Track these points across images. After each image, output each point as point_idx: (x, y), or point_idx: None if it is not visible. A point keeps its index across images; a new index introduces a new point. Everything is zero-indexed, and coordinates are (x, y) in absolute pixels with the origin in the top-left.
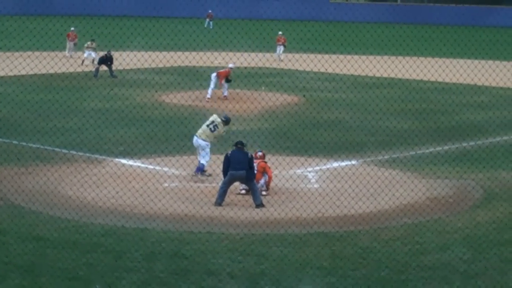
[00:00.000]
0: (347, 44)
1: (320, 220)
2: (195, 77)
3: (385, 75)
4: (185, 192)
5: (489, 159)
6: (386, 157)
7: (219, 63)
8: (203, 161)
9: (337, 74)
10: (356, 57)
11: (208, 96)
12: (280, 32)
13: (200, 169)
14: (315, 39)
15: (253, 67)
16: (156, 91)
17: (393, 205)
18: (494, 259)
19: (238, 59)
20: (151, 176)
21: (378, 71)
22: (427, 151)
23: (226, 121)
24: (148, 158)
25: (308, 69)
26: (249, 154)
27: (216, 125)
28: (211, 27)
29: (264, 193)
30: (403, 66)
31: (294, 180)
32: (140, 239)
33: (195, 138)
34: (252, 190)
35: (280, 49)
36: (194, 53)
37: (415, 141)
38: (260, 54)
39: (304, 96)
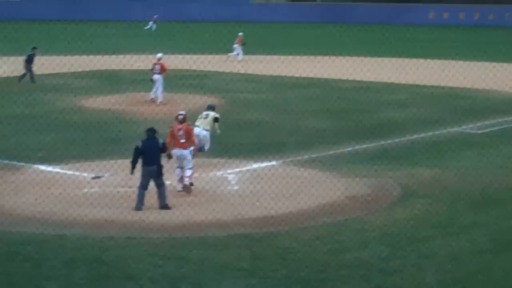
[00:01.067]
0: (266, 44)
1: (240, 222)
2: (114, 81)
3: (304, 75)
4: (104, 197)
5: (406, 157)
6: (305, 157)
7: (139, 66)
8: (206, 147)
9: (257, 75)
10: (275, 57)
11: (161, 99)
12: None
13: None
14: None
15: (173, 69)
16: (76, 96)
17: (312, 204)
18: (411, 255)
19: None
20: (70, 182)
21: (297, 71)
22: (345, 150)
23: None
24: (67, 164)
25: (228, 70)
26: (161, 143)
27: (208, 113)
28: (153, 29)
29: (180, 188)
30: (322, 66)
31: (214, 182)
32: (59, 246)
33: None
34: (159, 188)
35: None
36: (113, 57)
37: (333, 140)
38: (180, 56)
39: (224, 97)
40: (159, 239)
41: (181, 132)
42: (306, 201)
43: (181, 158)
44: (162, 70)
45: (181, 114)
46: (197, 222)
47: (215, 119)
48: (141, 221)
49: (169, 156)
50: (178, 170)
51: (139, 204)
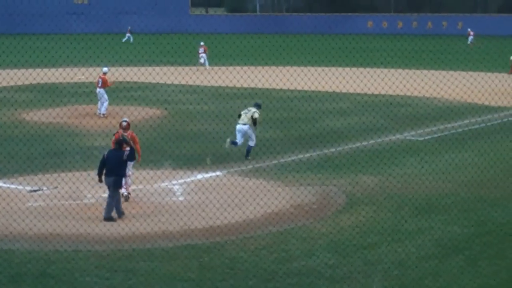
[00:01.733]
0: (207, 55)
1: (186, 233)
2: (55, 94)
3: (245, 85)
4: (49, 210)
5: (350, 165)
6: (250, 166)
7: (79, 78)
8: (251, 144)
9: (198, 86)
10: (216, 68)
11: (104, 112)
12: (202, 43)
13: (249, 151)
14: (175, 51)
15: (113, 81)
16: (16, 109)
17: (258, 214)
18: (358, 262)
19: (98, 74)
20: (13, 196)
21: (238, 81)
22: (290, 159)
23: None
24: (10, 178)
25: (169, 82)
26: (125, 155)
27: (250, 109)
28: (131, 40)
29: (125, 191)
30: (263, 76)
31: (159, 194)
32: (4, 261)
33: (239, 125)
34: (109, 198)
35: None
36: (53, 70)
37: (277, 150)
38: (121, 69)
39: (166, 109)
40: (105, 252)
41: None
42: (252, 211)
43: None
44: (104, 84)
45: (124, 121)
46: (144, 234)
47: (254, 119)
48: (86, 233)
49: None
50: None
51: (106, 214)
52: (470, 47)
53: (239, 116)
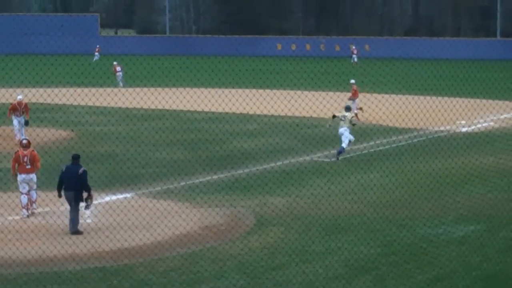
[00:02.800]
0: (114, 77)
1: (94, 256)
2: None
3: (152, 106)
4: None
5: (257, 186)
6: (158, 188)
7: None
8: (344, 145)
9: (105, 108)
10: (123, 90)
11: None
12: (115, 62)
13: (340, 152)
14: (81, 73)
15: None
16: None
17: (166, 235)
18: (267, 283)
19: (3, 95)
20: None
21: (145, 103)
22: (198, 180)
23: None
24: None
25: (75, 103)
26: (81, 170)
27: (343, 115)
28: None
29: (35, 209)
30: (170, 97)
31: (66, 216)
32: None
33: (341, 129)
34: (73, 213)
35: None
36: None
37: (185, 171)
38: (26, 90)
39: (73, 130)
40: (11, 275)
41: (26, 159)
42: (160, 232)
43: (30, 183)
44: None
45: (24, 139)
46: (51, 257)
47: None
48: None
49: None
50: (23, 197)
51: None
52: (353, 66)
53: (334, 116)
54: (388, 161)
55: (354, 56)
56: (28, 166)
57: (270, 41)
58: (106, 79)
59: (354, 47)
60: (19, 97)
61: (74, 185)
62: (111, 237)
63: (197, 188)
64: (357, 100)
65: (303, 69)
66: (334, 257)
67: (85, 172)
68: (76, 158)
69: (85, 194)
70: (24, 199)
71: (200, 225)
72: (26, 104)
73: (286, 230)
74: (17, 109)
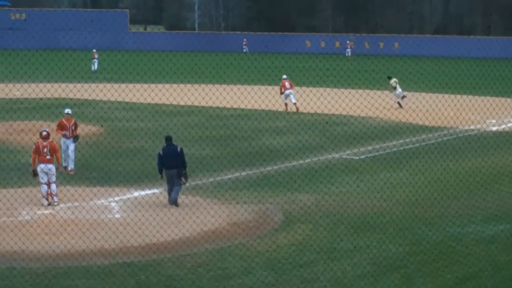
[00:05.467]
0: (143, 73)
1: (122, 251)
2: None
3: (182, 103)
4: None
5: (286, 183)
6: (187, 184)
7: (15, 94)
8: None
9: (134, 103)
10: (153, 85)
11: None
12: (284, 76)
13: None
14: (111, 68)
15: (49, 98)
16: None
17: (194, 231)
18: (294, 280)
19: (33, 90)
20: None
21: (174, 99)
22: (226, 177)
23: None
24: None
25: (105, 98)
26: (179, 148)
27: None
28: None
29: (56, 202)
30: (199, 94)
31: (95, 211)
32: None
33: None
34: (176, 187)
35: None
36: None
37: (214, 168)
38: (56, 85)
39: (102, 126)
40: (40, 269)
41: (45, 149)
42: (189, 228)
43: (48, 173)
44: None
45: (44, 131)
46: (79, 251)
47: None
48: (21, 251)
49: (35, 173)
50: (43, 187)
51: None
52: (348, 59)
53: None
54: (418, 159)
55: (348, 49)
56: (48, 157)
57: (299, 38)
58: (136, 75)
59: (348, 41)
60: (67, 111)
61: (175, 163)
62: (140, 233)
63: (226, 184)
64: (288, 91)
65: (332, 67)
66: (362, 255)
67: (182, 149)
68: (170, 139)
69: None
70: (44, 188)
71: (229, 222)
72: (75, 122)
73: (314, 227)
74: (65, 127)
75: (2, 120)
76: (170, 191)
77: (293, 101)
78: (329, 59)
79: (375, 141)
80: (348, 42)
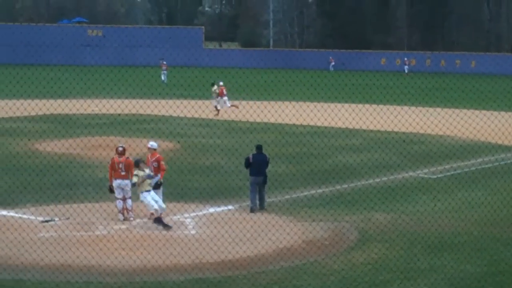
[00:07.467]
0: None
1: (198, 266)
2: (68, 125)
3: (258, 120)
4: (60, 241)
5: (362, 201)
6: None
7: (93, 110)
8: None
9: (211, 120)
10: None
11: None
12: (221, 83)
13: None
14: (187, 85)
15: (127, 114)
16: (30, 139)
17: (269, 249)
18: None
19: (111, 106)
20: (25, 226)
21: (251, 116)
22: (302, 194)
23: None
24: (22, 208)
25: (182, 115)
26: (267, 157)
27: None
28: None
29: (132, 217)
30: (276, 111)
31: (171, 227)
32: None
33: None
34: (262, 193)
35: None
36: (67, 101)
37: (289, 185)
38: (134, 101)
39: (178, 142)
40: (116, 284)
41: (121, 165)
42: (264, 246)
43: (124, 189)
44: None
45: (120, 147)
46: (155, 267)
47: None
48: (98, 265)
49: (111, 190)
50: (119, 202)
51: (252, 204)
52: (404, 76)
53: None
54: (496, 179)
55: (406, 66)
56: (123, 173)
57: (374, 56)
58: (205, 92)
59: (406, 59)
60: (152, 144)
61: (263, 170)
62: (215, 249)
63: (301, 202)
64: (225, 98)
65: (410, 84)
66: (439, 275)
67: (269, 159)
68: (260, 148)
69: None
70: (120, 204)
71: (304, 239)
72: (159, 159)
73: (390, 246)
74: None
75: (80, 136)
76: (254, 199)
77: (228, 105)
78: (400, 76)
79: (453, 160)
80: (405, 59)
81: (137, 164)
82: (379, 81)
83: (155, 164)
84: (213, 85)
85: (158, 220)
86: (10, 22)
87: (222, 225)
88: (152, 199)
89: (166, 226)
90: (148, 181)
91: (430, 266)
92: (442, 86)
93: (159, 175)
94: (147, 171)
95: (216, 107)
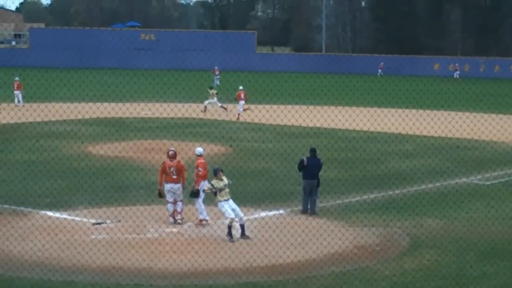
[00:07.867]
0: (273, 94)
1: (248, 270)
2: (121, 128)
3: (311, 124)
4: (112, 244)
5: (414, 207)
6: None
7: (145, 114)
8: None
9: (263, 124)
10: (282, 106)
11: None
12: (240, 87)
13: None
14: (241, 89)
15: (180, 117)
16: (83, 142)
17: (320, 254)
18: None
19: (164, 109)
20: (77, 228)
21: (304, 120)
22: (353, 199)
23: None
24: (75, 210)
25: (234, 119)
26: (321, 161)
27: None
28: (217, 84)
29: (181, 219)
30: (329, 116)
31: (222, 230)
32: None
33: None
34: (313, 197)
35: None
36: (120, 104)
37: (341, 190)
38: (187, 105)
39: (231, 146)
40: (167, 287)
41: (172, 169)
42: (315, 250)
43: (176, 193)
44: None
45: (171, 150)
46: (205, 270)
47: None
48: (149, 268)
49: (161, 195)
50: (170, 206)
51: (303, 208)
52: (457, 82)
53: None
54: None
55: (457, 72)
56: (174, 176)
57: (427, 61)
58: (258, 96)
59: (457, 64)
60: (199, 150)
61: (316, 174)
62: (266, 253)
63: (353, 207)
64: (241, 102)
65: (464, 90)
66: (491, 282)
67: (322, 162)
68: (314, 151)
69: None
70: (171, 207)
71: (355, 244)
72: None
73: (442, 253)
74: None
75: (133, 139)
76: (305, 203)
77: (241, 110)
78: (460, 82)
79: (507, 166)
80: (456, 64)
81: (216, 173)
82: (433, 86)
83: (195, 170)
84: (211, 88)
85: (229, 228)
86: (65, 27)
87: (273, 229)
88: (230, 208)
89: (230, 237)
90: (227, 190)
91: (482, 273)
92: (497, 92)
93: (200, 183)
94: (225, 180)
95: (205, 107)
